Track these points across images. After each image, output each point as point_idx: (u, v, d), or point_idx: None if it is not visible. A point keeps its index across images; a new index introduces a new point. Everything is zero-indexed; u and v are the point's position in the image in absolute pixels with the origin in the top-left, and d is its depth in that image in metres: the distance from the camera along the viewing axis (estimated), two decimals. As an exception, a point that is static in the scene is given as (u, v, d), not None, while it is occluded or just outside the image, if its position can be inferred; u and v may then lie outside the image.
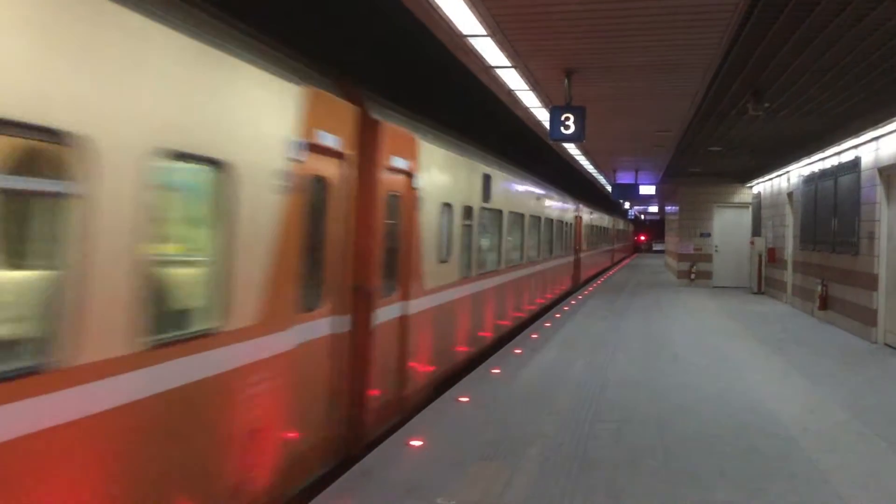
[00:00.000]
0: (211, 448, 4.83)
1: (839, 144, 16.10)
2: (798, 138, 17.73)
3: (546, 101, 12.72)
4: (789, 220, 21.90)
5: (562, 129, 10.97)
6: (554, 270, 21.86)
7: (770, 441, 7.55)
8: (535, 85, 11.68)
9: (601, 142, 18.77)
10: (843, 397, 9.61)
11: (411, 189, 8.80)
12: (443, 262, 10.20)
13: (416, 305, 9.01)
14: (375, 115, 7.60)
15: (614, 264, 46.20)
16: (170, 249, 4.65)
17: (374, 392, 7.58)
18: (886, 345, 13.90)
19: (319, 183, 6.59)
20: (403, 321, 8.61)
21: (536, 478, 6.30)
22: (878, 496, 6.10)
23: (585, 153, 22.18)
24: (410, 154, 8.66)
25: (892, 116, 12.85)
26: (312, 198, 6.39)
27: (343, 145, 6.90)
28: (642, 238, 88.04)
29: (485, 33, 8.84)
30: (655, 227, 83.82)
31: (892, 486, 6.36)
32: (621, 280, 32.79)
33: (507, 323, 15.01)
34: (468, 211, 11.65)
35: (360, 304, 7.33)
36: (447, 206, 10.43)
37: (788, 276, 21.81)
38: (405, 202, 8.69)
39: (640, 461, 6.83)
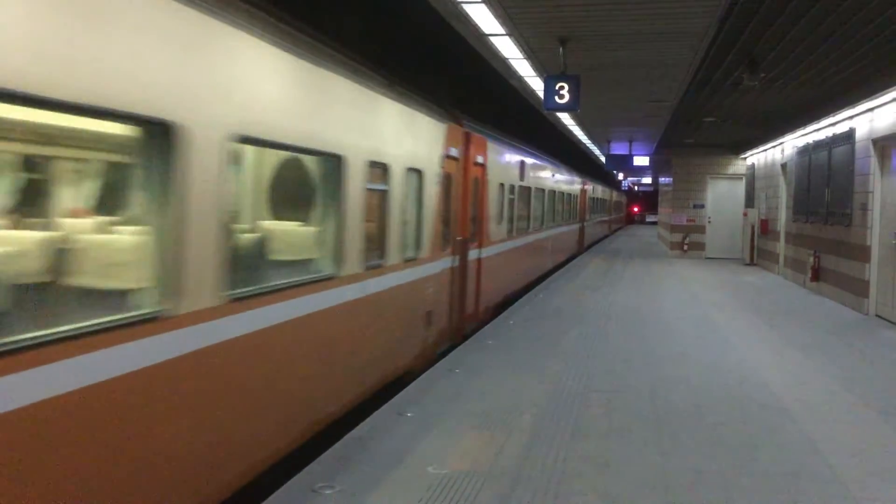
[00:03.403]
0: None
1: (834, 115, 16.05)
2: (793, 109, 17.67)
3: (541, 70, 12.62)
4: (782, 192, 21.89)
5: (556, 98, 10.91)
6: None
7: (761, 411, 7.59)
8: (530, 53, 11.58)
9: (596, 111, 18.69)
10: (835, 368, 9.65)
11: (484, 175, 12.72)
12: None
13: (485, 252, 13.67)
14: (468, 129, 11.49)
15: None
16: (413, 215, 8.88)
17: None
18: (878, 316, 13.95)
19: (448, 178, 10.39)
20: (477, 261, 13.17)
21: (528, 446, 6.32)
22: (868, 466, 6.13)
23: (580, 123, 22.09)
24: (483, 152, 12.53)
25: (888, 87, 12.79)
26: (446, 187, 10.31)
27: (458, 153, 10.87)
28: (636, 209, 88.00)
29: None
30: (649, 199, 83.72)
31: (882, 455, 6.40)
32: (616, 249, 32.81)
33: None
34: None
35: (461, 249, 11.37)
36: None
37: (781, 247, 21.85)
38: (481, 184, 12.59)
39: (632, 430, 6.85)
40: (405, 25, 17.14)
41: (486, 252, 12.98)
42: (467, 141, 11.32)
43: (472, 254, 11.96)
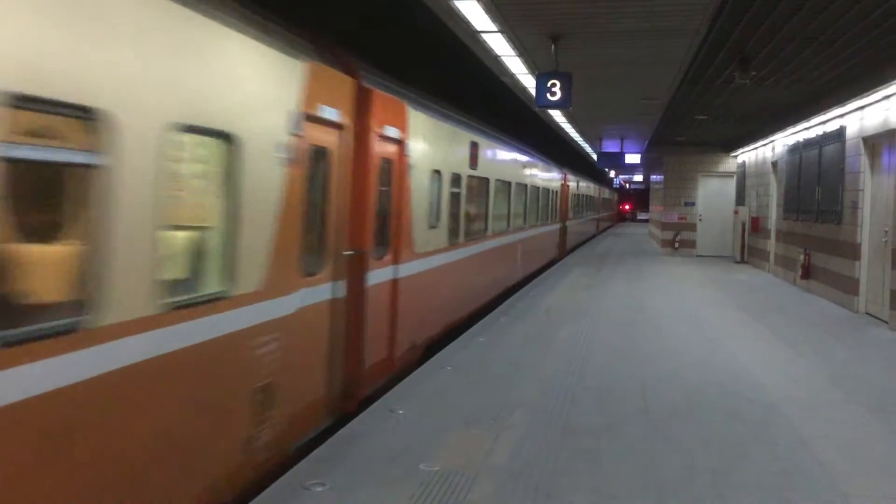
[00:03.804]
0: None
1: (824, 114, 16.09)
2: (784, 107, 17.72)
3: (533, 67, 12.62)
4: (773, 190, 21.95)
5: (548, 95, 10.91)
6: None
7: (752, 408, 7.60)
8: (522, 51, 11.57)
9: (587, 109, 18.70)
10: (825, 366, 9.68)
11: (404, 156, 8.85)
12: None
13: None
14: (368, 85, 7.63)
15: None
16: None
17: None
18: (868, 314, 14.00)
19: (318, 155, 6.67)
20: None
21: (519, 443, 6.32)
22: (859, 463, 6.15)
23: (572, 121, 22.11)
24: (401, 122, 8.67)
25: (878, 85, 12.82)
26: (313, 170, 6.52)
27: (341, 116, 7.01)
28: (627, 207, 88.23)
29: (471, -4, 8.72)
30: (640, 197, 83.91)
31: (872, 452, 6.42)
32: (606, 248, 32.85)
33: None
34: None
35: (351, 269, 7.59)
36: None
37: (771, 245, 21.91)
38: (398, 169, 8.74)
39: (624, 427, 6.86)
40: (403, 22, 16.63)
41: (408, 269, 9.08)
42: (367, 102, 7.52)
43: (381, 274, 8.14)
